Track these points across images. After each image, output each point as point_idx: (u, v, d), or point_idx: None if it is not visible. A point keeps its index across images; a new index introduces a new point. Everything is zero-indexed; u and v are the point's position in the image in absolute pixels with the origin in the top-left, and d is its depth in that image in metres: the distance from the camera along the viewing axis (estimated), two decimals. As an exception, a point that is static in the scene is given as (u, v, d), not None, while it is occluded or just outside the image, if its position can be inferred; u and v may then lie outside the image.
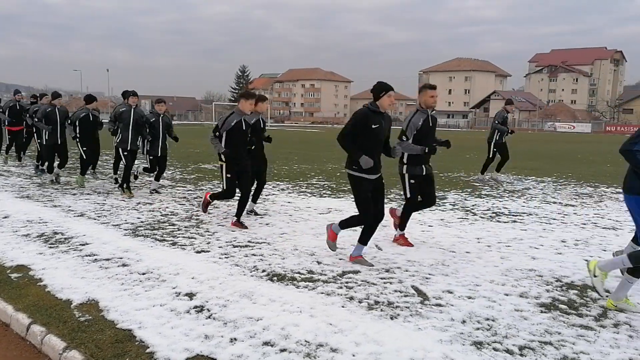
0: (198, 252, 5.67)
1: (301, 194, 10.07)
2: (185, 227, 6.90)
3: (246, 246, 5.96)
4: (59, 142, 10.61)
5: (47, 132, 10.54)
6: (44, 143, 10.74)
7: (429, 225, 7.39)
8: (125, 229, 6.70)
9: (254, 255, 5.58)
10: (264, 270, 5.02)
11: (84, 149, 10.24)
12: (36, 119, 10.65)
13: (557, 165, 17.05)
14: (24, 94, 13.93)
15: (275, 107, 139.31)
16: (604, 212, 8.60)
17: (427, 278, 4.89)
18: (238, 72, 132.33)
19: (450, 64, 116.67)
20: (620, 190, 11.18)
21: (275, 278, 4.80)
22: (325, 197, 9.77)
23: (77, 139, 10.25)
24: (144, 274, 4.86)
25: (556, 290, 4.62)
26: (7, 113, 13.50)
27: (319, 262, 5.34)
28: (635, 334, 3.65)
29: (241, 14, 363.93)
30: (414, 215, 8.06)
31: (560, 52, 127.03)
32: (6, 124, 13.72)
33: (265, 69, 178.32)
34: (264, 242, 6.14)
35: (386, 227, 7.15)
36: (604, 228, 7.36)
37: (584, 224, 7.64)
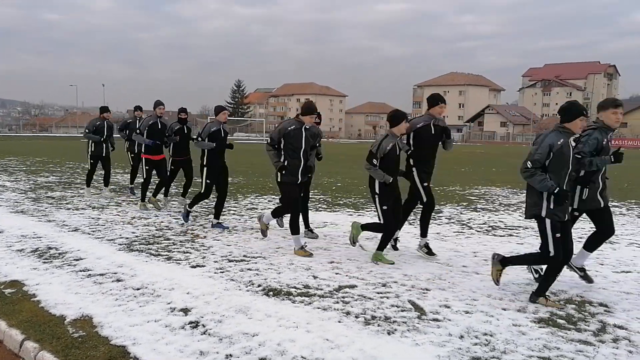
0: (193, 266, 5.63)
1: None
2: (180, 241, 6.85)
3: (241, 260, 5.91)
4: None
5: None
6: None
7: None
8: (120, 244, 6.64)
9: (249, 269, 5.54)
10: (259, 285, 4.98)
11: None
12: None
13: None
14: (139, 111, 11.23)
15: (271, 122, 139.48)
16: (590, 226, 8.58)
17: (424, 292, 4.86)
18: (234, 86, 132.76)
19: (445, 78, 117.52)
20: (616, 204, 11.22)
21: (271, 293, 4.76)
22: (321, 211, 9.74)
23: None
24: (138, 289, 4.81)
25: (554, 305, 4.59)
26: (145, 134, 9.17)
27: (315, 277, 5.31)
28: (635, 349, 3.62)
29: (239, 28, 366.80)
30: (410, 229, 8.06)
31: (554, 66, 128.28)
32: (144, 150, 9.36)
33: (261, 84, 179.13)
34: (260, 257, 6.10)
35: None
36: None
37: (580, 238, 7.62)
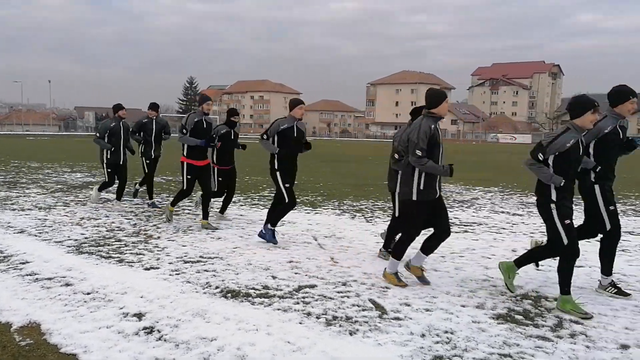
0: (147, 269, 5.41)
1: (253, 206, 9.89)
2: (132, 242, 6.60)
3: (198, 262, 5.74)
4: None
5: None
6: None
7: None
8: (69, 246, 6.33)
9: (206, 271, 5.37)
10: (217, 287, 4.83)
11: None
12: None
13: (502, 176, 17.58)
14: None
15: (225, 119, 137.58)
16: (549, 221, 8.86)
17: (384, 291, 4.84)
18: (186, 83, 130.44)
19: (397, 76, 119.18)
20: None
21: (229, 295, 4.62)
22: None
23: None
24: (88, 293, 4.57)
25: (511, 300, 4.67)
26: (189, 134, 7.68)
27: (274, 277, 5.20)
28: (592, 344, 3.71)
29: (192, 25, 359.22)
30: (369, 227, 8.07)
31: (501, 65, 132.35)
32: (186, 153, 7.88)
33: (215, 81, 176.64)
34: (217, 257, 5.94)
35: (341, 239, 7.10)
36: (550, 237, 7.57)
37: (532, 233, 7.84)
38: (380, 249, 6.28)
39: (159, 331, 3.78)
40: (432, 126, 4.83)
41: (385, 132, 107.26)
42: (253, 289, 4.80)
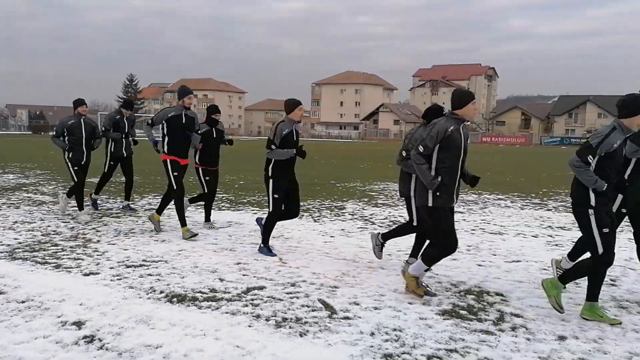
0: (86, 274, 5.18)
1: (199, 207, 9.68)
2: (70, 247, 6.30)
3: (141, 265, 5.55)
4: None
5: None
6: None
7: (331, 236, 7.41)
8: (1, 252, 5.97)
9: (150, 275, 5.20)
10: (162, 292, 4.68)
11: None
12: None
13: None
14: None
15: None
16: (489, 218, 9.20)
17: (333, 290, 4.85)
18: (126, 80, 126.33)
19: (342, 76, 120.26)
20: (501, 197, 12.08)
21: (174, 299, 4.49)
22: (224, 209, 9.48)
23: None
24: (23, 302, 4.32)
25: (455, 296, 4.79)
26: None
27: (221, 279, 5.10)
28: (532, 337, 3.86)
29: (132, 21, 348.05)
30: (316, 227, 8.09)
31: (441, 67, 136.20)
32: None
33: (157, 78, 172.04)
34: (161, 261, 5.77)
35: (289, 240, 7.07)
36: (491, 233, 7.85)
37: (473, 230, 8.09)
38: (406, 261, 5.50)
39: (100, 340, 3.62)
40: (452, 127, 4.45)
41: (330, 131, 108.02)
42: (200, 292, 4.69)
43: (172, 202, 7.16)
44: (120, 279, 5.03)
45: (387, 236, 5.81)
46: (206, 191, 7.73)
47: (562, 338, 3.85)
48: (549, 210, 10.37)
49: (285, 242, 6.93)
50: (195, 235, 6.90)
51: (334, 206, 10.23)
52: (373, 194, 12.29)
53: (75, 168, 8.16)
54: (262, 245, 6.23)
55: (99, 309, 4.19)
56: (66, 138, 8.10)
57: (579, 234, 7.82)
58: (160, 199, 7.57)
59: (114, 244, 6.49)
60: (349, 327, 3.95)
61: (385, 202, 10.90)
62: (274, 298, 4.57)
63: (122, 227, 7.62)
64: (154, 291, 4.70)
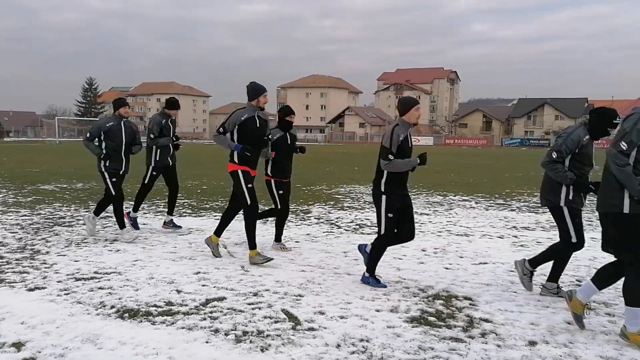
0: (31, 289, 4.80)
1: (158, 214, 9.32)
2: (16, 259, 5.88)
3: (92, 278, 5.20)
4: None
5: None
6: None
7: (296, 242, 7.18)
8: None
9: (101, 288, 4.87)
10: (112, 307, 4.37)
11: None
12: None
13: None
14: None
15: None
16: (455, 219, 9.15)
17: (297, 299, 4.63)
18: (85, 84, 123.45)
19: (307, 80, 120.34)
20: (465, 198, 12.10)
21: (126, 315, 4.18)
22: (185, 216, 9.14)
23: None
24: (-44, 323, 3.94)
25: (423, 302, 4.64)
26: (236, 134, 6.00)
27: (178, 291, 4.82)
28: (502, 343, 3.72)
29: (91, 22, 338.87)
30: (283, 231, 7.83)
31: (405, 71, 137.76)
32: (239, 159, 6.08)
33: (117, 82, 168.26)
34: (114, 272, 5.43)
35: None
36: (457, 235, 7.77)
37: (440, 232, 8.01)
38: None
39: (41, 362, 3.30)
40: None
41: (297, 134, 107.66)
42: (154, 306, 4.40)
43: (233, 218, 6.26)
44: (67, 294, 4.68)
45: (536, 262, 4.92)
46: (279, 207, 6.63)
47: (532, 343, 3.73)
48: (512, 210, 10.42)
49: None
50: (270, 259, 5.80)
51: (300, 210, 10.01)
52: (339, 197, 12.13)
53: (114, 179, 6.97)
54: (366, 274, 5.20)
55: (42, 328, 3.85)
56: (102, 143, 6.93)
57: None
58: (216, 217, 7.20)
59: (64, 255, 6.11)
60: (314, 339, 3.74)
61: (352, 205, 10.75)
62: (234, 310, 4.32)
63: (74, 236, 7.21)
64: (104, 306, 4.38)
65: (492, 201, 11.73)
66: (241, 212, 6.12)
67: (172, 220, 7.82)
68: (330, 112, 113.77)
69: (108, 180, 6.99)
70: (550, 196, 4.72)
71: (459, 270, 5.76)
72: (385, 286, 5.05)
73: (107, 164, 6.94)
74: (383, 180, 5.03)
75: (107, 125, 6.95)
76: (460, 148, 62.93)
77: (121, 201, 7.12)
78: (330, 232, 7.93)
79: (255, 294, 4.75)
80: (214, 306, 4.40)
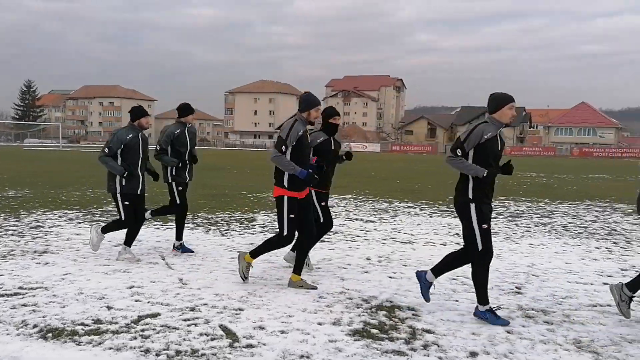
0: (-57, 309, 4.39)
1: (93, 223, 8.85)
2: None
3: (15, 294, 4.82)
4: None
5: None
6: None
7: (239, 252, 6.95)
8: None
9: (24, 305, 4.51)
10: (35, 326, 4.04)
11: None
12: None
13: (355, 183, 18.15)
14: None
15: (69, 126, 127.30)
16: (399, 227, 9.18)
17: (236, 314, 4.44)
18: (23, 87, 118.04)
19: (255, 85, 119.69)
20: (410, 205, 12.21)
21: (49, 335, 3.87)
22: (122, 225, 8.72)
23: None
24: None
25: (366, 313, 4.56)
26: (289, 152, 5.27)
27: (109, 307, 4.52)
28: (444, 355, 3.68)
29: (29, 24, 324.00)
30: (224, 241, 7.61)
31: (353, 78, 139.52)
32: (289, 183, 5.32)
33: (57, 85, 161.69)
34: (40, 287, 5.06)
35: (192, 257, 6.57)
36: (401, 242, 7.79)
37: (384, 240, 8.00)
38: None
39: (-54, 393, 2.98)
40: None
41: (244, 140, 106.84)
42: (81, 324, 4.10)
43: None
44: (-15, 313, 4.31)
45: (636, 286, 4.50)
46: (322, 220, 5.87)
47: (473, 354, 3.71)
48: (455, 217, 10.57)
49: (188, 259, 6.41)
50: (314, 288, 5.23)
51: (244, 218, 9.79)
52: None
53: (127, 202, 6.08)
54: (481, 308, 4.40)
55: (-49, 353, 3.50)
56: (118, 159, 6.03)
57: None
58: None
59: (-15, 270, 5.66)
60: (252, 356, 3.57)
61: (297, 213, 10.60)
62: (168, 327, 4.08)
63: (1, 248, 6.72)
64: (26, 325, 4.05)
65: (436, 208, 11.89)
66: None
67: (182, 244, 6.87)
68: (279, 117, 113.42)
69: (120, 203, 6.07)
70: None
71: (403, 279, 5.73)
72: (507, 322, 4.30)
73: (123, 184, 6.00)
74: (470, 186, 4.34)
75: (127, 137, 6.01)
76: (406, 154, 64.13)
77: (133, 225, 6.25)
78: (275, 241, 7.75)
79: (192, 309, 4.53)
80: (147, 323, 4.15)
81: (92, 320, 4.20)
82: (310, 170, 5.08)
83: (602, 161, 49.83)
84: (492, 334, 4.09)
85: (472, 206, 4.33)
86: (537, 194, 15.31)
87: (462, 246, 4.56)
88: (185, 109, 6.78)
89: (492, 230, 9.00)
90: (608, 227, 9.52)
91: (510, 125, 4.50)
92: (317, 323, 4.25)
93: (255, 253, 5.43)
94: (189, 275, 5.68)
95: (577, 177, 24.04)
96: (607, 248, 7.62)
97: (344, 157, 6.06)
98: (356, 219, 10.00)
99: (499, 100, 4.33)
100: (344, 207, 11.73)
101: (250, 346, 3.74)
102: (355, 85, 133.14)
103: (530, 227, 9.37)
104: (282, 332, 4.04)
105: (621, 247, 7.71)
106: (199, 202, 11.76)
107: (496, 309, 4.40)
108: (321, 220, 5.87)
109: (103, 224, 6.55)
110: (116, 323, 4.15)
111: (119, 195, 6.08)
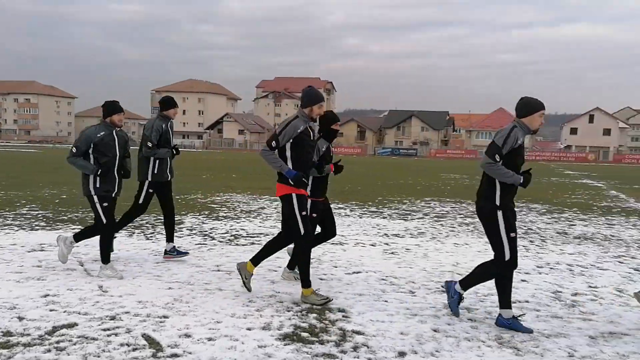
0: None
1: (5, 227, 8.25)
2: None
3: None
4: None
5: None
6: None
7: (237, 263, 6.71)
8: None
9: None
10: None
11: None
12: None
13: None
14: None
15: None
16: (330, 228, 9.20)
17: (161, 321, 4.25)
18: None
19: (184, 84, 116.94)
20: (340, 206, 12.31)
21: (-50, 352, 3.53)
22: (37, 230, 8.18)
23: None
24: None
25: (297, 316, 4.51)
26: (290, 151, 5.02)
27: (20, 318, 4.20)
28: (373, 356, 3.70)
29: None
30: (148, 245, 7.31)
31: (283, 79, 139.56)
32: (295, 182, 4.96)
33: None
34: (-60, 299, 4.62)
35: (114, 262, 6.23)
36: (332, 244, 7.80)
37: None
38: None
39: None
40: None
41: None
42: (-12, 338, 3.77)
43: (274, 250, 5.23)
44: None
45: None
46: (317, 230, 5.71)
47: (402, 354, 3.76)
48: (384, 218, 10.78)
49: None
50: (330, 300, 4.88)
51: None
52: (215, 206, 11.71)
53: (105, 204, 5.60)
54: (503, 317, 4.36)
55: None
56: (91, 159, 5.59)
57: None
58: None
59: None
60: (177, 366, 3.42)
61: (228, 215, 10.41)
62: (86, 338, 3.84)
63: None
64: None
65: (365, 209, 12.06)
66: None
67: (174, 247, 6.49)
68: (208, 117, 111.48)
69: (98, 205, 5.58)
70: None
71: (333, 281, 5.74)
72: (531, 330, 4.26)
73: (98, 185, 5.57)
74: (498, 192, 4.20)
75: (98, 135, 5.57)
76: (337, 156, 64.85)
77: (112, 230, 5.87)
78: (203, 244, 7.56)
79: (113, 318, 4.29)
80: (62, 334, 3.88)
81: (2, 332, 3.87)
82: (297, 172, 4.77)
83: (519, 164, 52.63)
84: (419, 333, 4.17)
85: (500, 214, 4.20)
86: (460, 195, 15.93)
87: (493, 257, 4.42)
88: (167, 102, 6.44)
89: (419, 231, 9.24)
90: (525, 226, 10.05)
91: (536, 132, 4.40)
92: (246, 328, 4.16)
93: (257, 259, 5.14)
94: (109, 281, 5.39)
95: (497, 178, 25.25)
96: (524, 246, 8.02)
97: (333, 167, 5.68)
98: (287, 221, 9.94)
99: (531, 106, 4.23)
100: (275, 208, 11.65)
101: (175, 355, 3.58)
102: (286, 87, 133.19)
103: (454, 227, 9.71)
104: (210, 339, 3.91)
105: (536, 245, 8.15)
106: (124, 205, 11.25)
107: (519, 317, 4.40)
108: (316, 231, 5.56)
109: (69, 234, 6.02)
110: (28, 335, 3.85)
111: (95, 197, 5.58)
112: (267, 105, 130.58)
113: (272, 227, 9.20)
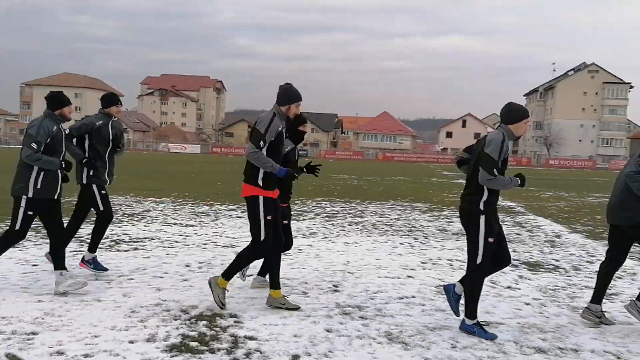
0: None
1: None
2: None
3: None
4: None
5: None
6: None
7: (34, 265, 6.10)
8: None
9: None
10: None
11: None
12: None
13: (174, 185, 17.41)
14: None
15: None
16: (221, 230, 8.96)
17: (29, 339, 3.80)
18: None
19: (58, 78, 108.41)
20: (232, 207, 12.05)
21: None
22: None
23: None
24: None
25: (185, 325, 4.27)
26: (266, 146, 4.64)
27: None
28: (266, 363, 3.59)
29: None
30: (13, 253, 6.56)
31: (171, 77, 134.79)
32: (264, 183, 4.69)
33: None
34: None
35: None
36: (223, 247, 7.58)
37: (205, 244, 7.71)
38: None
39: None
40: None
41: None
42: None
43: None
44: None
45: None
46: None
47: (295, 357, 3.70)
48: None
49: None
50: (297, 308, 4.73)
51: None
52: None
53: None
54: (468, 322, 4.32)
55: None
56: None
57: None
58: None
59: None
60: (47, 389, 3.06)
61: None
62: None
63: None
64: None
65: (256, 210, 11.90)
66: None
67: (95, 258, 5.87)
68: (86, 113, 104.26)
69: (22, 210, 4.89)
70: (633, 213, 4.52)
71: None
72: (495, 336, 4.24)
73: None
74: (483, 198, 4.20)
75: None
76: (227, 157, 63.83)
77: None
78: (79, 250, 6.96)
79: (-30, 339, 3.76)
80: None
81: None
82: (288, 169, 4.61)
83: (401, 165, 55.54)
84: (312, 335, 4.14)
85: (483, 218, 4.21)
86: (349, 195, 16.35)
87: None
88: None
89: (310, 231, 9.29)
90: (409, 224, 10.53)
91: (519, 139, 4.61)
92: (129, 341, 3.85)
93: (229, 274, 4.71)
94: (-34, 297, 4.74)
95: (383, 179, 26.36)
96: (409, 243, 8.38)
97: (304, 170, 5.33)
98: (175, 224, 9.50)
99: (519, 114, 4.29)
100: (162, 210, 11.10)
101: (45, 377, 3.21)
102: (173, 84, 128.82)
103: (344, 226, 9.91)
104: (86, 355, 3.56)
105: (420, 242, 8.55)
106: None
107: (484, 324, 4.41)
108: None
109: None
110: None
111: (24, 201, 4.89)
112: (153, 103, 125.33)
113: (158, 230, 8.74)
